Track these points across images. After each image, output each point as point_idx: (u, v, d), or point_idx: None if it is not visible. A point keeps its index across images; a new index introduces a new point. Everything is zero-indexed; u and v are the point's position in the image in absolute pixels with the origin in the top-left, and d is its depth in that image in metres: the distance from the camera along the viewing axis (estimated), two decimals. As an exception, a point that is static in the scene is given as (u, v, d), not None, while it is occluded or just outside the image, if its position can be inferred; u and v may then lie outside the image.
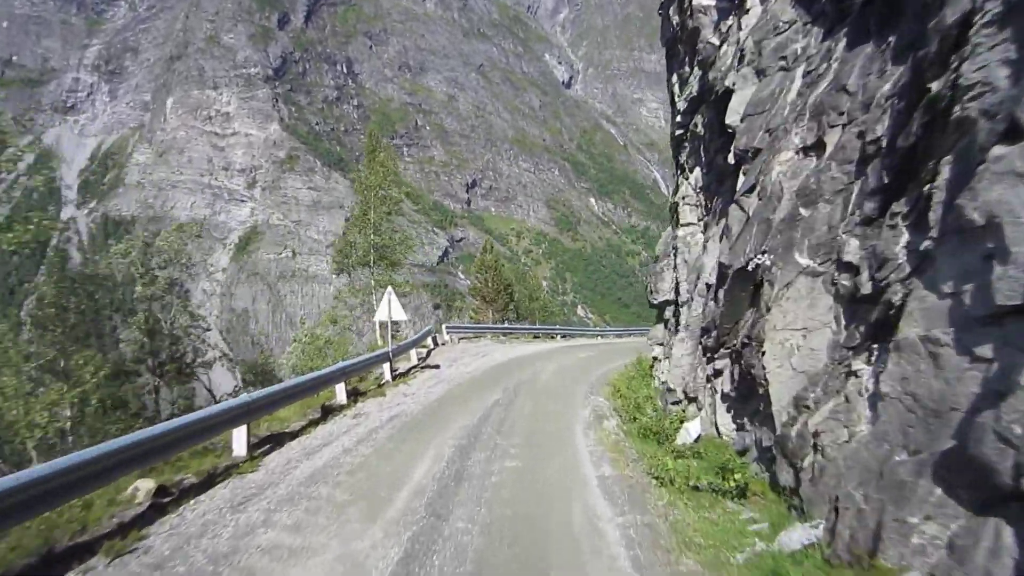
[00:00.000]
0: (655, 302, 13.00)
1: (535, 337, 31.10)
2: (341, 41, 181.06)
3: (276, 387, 9.80)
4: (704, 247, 9.85)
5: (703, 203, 10.88)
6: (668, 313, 12.27)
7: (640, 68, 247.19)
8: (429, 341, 21.86)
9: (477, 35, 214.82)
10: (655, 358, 13.11)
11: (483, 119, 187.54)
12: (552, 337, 32.58)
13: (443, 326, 25.68)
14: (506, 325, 32.46)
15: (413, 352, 18.30)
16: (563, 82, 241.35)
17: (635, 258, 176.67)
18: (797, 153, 6.74)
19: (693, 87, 11.20)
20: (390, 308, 15.27)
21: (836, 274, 5.64)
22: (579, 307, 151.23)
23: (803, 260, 6.10)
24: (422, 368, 17.27)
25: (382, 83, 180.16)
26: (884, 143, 5.21)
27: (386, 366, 15.09)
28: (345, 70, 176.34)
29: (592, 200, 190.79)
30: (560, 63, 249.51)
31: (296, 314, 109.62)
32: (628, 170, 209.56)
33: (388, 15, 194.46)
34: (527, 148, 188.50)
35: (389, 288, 16.56)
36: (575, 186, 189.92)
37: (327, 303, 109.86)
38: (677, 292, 11.41)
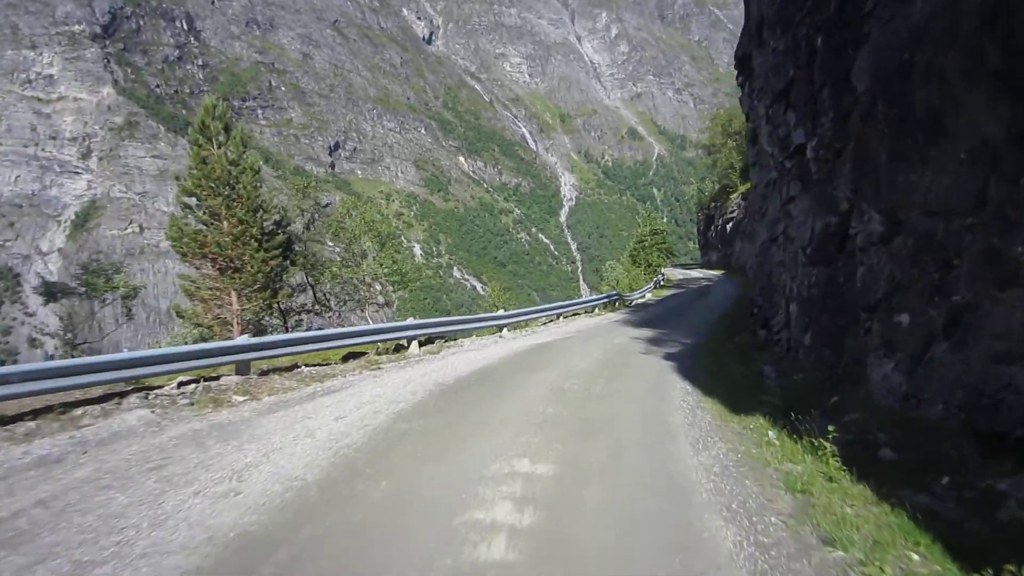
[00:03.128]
0: None
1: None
2: None
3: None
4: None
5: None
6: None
7: (501, 22, 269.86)
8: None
9: None
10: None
11: (342, 78, 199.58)
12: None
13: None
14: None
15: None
16: (424, 38, 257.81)
17: (508, 216, 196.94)
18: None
19: None
20: None
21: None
22: (455, 269, 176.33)
23: None
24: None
25: (228, 41, 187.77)
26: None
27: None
28: (186, 27, 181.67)
29: (461, 159, 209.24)
30: (419, 18, 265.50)
31: (148, 293, 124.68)
32: (496, 127, 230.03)
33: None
34: (391, 107, 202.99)
35: None
36: (443, 145, 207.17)
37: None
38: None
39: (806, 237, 11.85)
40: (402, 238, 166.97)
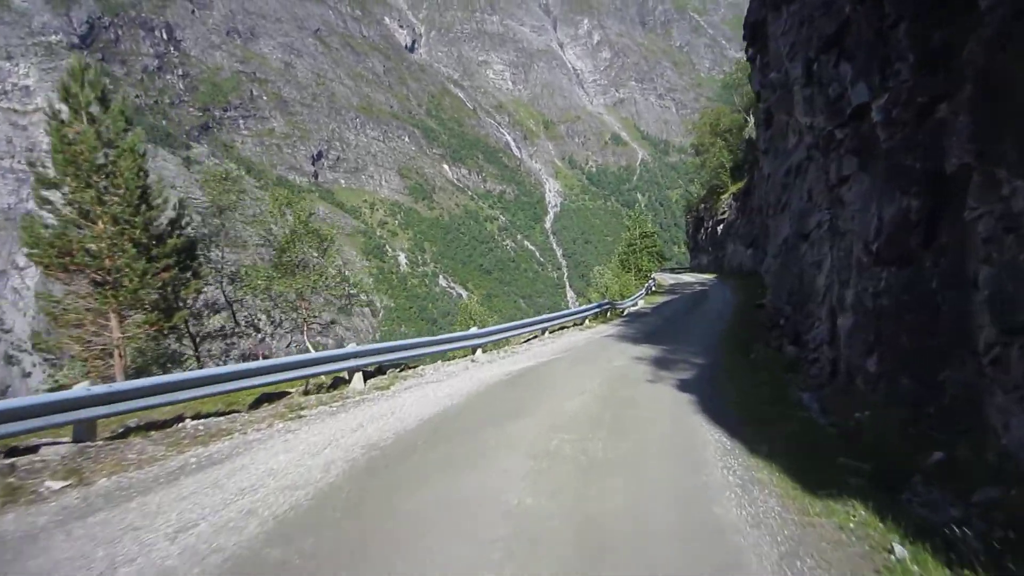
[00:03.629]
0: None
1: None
2: (158, 5, 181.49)
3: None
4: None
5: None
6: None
7: (483, 30, 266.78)
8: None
9: None
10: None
11: (324, 87, 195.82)
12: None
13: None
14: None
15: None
16: (406, 46, 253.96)
17: (493, 223, 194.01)
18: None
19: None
20: None
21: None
22: (440, 277, 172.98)
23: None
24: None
25: (209, 50, 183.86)
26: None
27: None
28: (165, 37, 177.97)
29: (445, 166, 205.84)
30: (402, 26, 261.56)
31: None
32: (479, 134, 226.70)
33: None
34: (374, 115, 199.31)
35: None
36: (427, 153, 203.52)
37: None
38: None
39: (870, 229, 8.73)
40: (387, 247, 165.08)
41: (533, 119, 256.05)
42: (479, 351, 14.88)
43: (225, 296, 18.61)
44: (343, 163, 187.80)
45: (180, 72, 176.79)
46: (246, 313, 19.37)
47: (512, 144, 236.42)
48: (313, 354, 10.01)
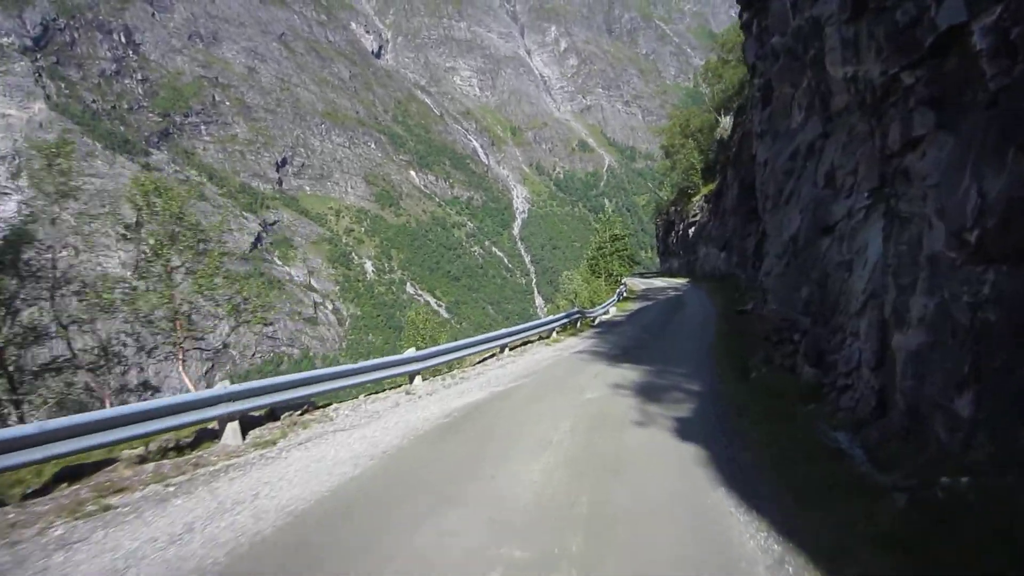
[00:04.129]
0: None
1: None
2: (116, 7, 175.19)
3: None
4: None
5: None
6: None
7: (451, 36, 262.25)
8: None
9: (275, 1, 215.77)
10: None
11: (289, 92, 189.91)
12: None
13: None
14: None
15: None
16: (373, 52, 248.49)
17: (461, 230, 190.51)
18: None
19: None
20: None
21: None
22: (408, 284, 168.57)
23: None
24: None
25: (170, 54, 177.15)
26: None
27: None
28: (124, 40, 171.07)
29: (412, 173, 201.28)
30: (368, 32, 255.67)
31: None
32: (446, 140, 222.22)
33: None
34: (340, 122, 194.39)
35: None
36: (393, 159, 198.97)
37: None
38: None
39: (964, 210, 5.80)
40: (353, 254, 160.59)
41: (500, 125, 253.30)
42: (418, 379, 11.61)
43: (56, 315, 13.83)
44: (308, 170, 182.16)
45: (139, 76, 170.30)
46: (98, 338, 14.81)
47: (480, 150, 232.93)
48: (160, 401, 6.67)
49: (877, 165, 7.75)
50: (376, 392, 10.93)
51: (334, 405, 9.55)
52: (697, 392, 10.36)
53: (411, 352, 11.38)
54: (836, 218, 9.89)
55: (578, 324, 23.19)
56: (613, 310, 30.25)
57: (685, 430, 7.80)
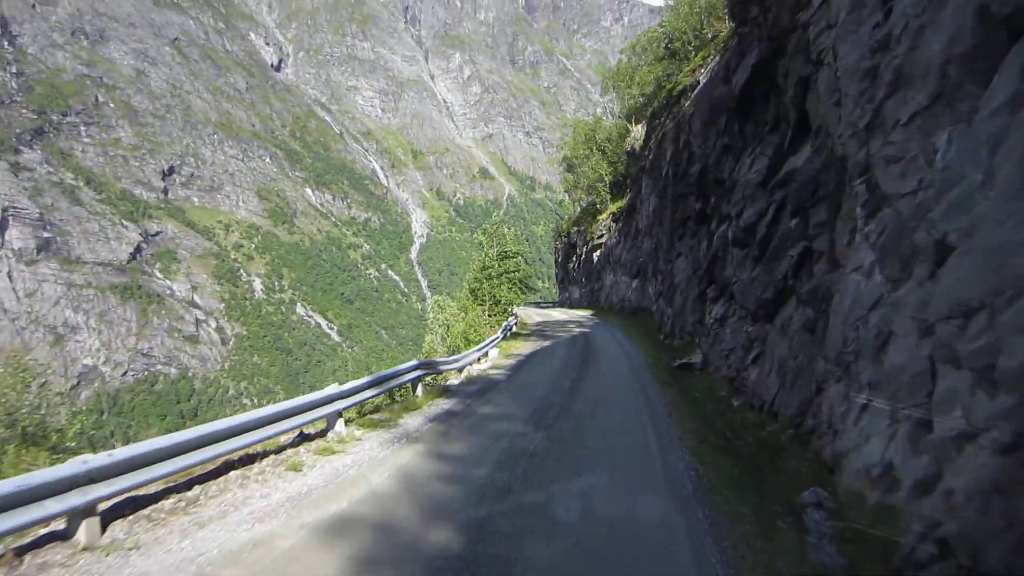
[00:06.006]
0: None
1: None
2: None
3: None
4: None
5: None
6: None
7: (354, 55, 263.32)
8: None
9: (169, 5, 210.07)
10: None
11: (180, 99, 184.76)
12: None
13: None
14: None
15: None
16: (272, 64, 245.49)
17: (357, 251, 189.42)
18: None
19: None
20: None
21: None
22: (298, 305, 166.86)
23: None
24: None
25: (50, 49, 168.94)
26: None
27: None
28: None
29: (309, 190, 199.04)
30: (268, 44, 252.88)
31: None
32: (346, 159, 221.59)
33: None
34: (233, 133, 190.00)
35: None
36: (289, 175, 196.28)
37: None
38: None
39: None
40: (241, 271, 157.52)
41: (402, 148, 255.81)
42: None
43: None
44: (197, 180, 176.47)
45: (14, 70, 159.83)
46: None
47: (379, 172, 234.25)
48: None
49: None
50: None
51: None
52: None
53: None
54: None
55: (415, 388, 13.96)
56: (494, 353, 22.52)
57: None
